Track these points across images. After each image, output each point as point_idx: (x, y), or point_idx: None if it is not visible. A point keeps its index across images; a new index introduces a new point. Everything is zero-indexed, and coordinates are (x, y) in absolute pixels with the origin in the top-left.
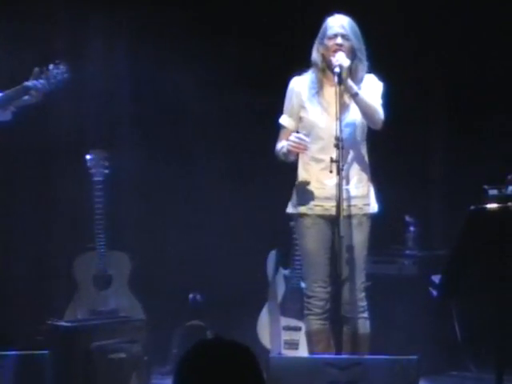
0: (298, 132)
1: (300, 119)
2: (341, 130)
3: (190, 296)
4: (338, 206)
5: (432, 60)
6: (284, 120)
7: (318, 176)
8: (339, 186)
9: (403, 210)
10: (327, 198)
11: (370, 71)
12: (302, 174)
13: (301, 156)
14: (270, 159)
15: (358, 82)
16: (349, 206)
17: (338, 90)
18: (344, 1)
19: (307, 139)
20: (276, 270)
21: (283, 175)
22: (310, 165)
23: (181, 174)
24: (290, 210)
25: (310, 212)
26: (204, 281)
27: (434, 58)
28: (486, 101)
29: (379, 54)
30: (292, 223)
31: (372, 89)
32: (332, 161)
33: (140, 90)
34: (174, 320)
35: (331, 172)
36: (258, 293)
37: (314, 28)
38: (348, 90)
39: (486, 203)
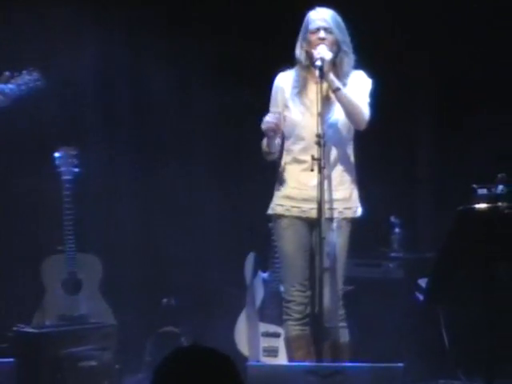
0: (283, 134)
1: (284, 118)
2: (322, 127)
3: (164, 301)
4: (320, 206)
5: (419, 56)
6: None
7: (298, 177)
8: (320, 185)
9: (388, 211)
10: (305, 200)
11: (358, 67)
12: (282, 175)
13: (284, 156)
14: (249, 159)
15: (343, 76)
16: (329, 208)
17: (319, 84)
18: None
19: (278, 116)
20: (254, 274)
21: (262, 176)
22: (292, 165)
23: (155, 173)
24: (269, 211)
25: (287, 213)
26: (179, 285)
27: (422, 54)
28: (474, 98)
29: (364, 50)
30: (270, 224)
31: (359, 86)
32: (313, 159)
33: (113, 84)
34: (147, 326)
35: (312, 170)
36: (236, 297)
37: (299, 22)
38: (329, 84)
39: (475, 203)
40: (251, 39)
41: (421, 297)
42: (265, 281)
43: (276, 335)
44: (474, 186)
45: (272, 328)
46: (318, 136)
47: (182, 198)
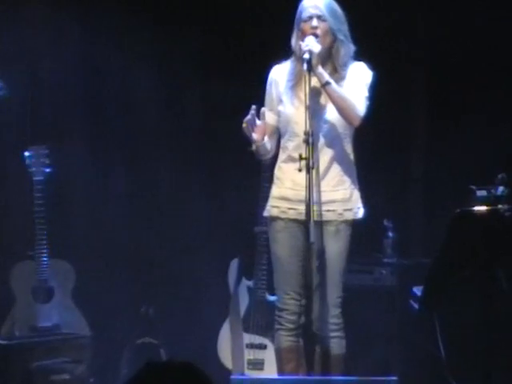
0: (279, 131)
1: (278, 113)
2: (312, 123)
3: (142, 309)
4: (308, 208)
5: (415, 53)
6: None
7: (294, 177)
8: (309, 186)
9: (381, 214)
10: (302, 201)
11: (358, 58)
12: (277, 174)
13: (279, 154)
14: (235, 160)
15: (341, 67)
16: (327, 210)
17: (307, 78)
18: None
19: (252, 112)
20: (238, 281)
21: (247, 177)
22: (287, 164)
23: (133, 174)
24: (265, 213)
25: (282, 215)
26: (157, 293)
27: (418, 51)
28: (472, 95)
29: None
30: (256, 228)
31: (357, 78)
32: (301, 158)
33: (87, 78)
34: (123, 337)
35: (300, 171)
36: (218, 306)
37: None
38: (318, 78)
39: (474, 205)
40: (241, 32)
41: (415, 305)
42: (250, 289)
43: (262, 347)
44: (473, 187)
45: (257, 339)
46: (306, 134)
47: (162, 201)
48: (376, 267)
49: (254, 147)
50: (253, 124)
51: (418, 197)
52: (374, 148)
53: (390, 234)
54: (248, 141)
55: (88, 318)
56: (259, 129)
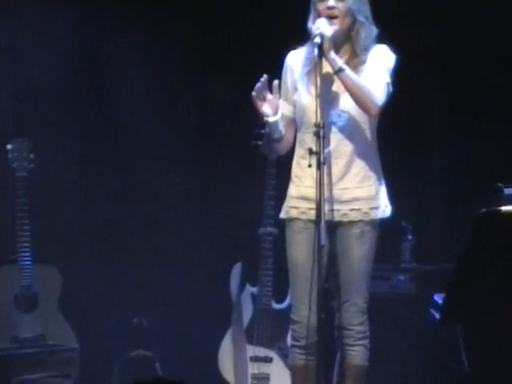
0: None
1: (294, 103)
2: (323, 114)
3: (135, 320)
4: (319, 208)
5: (432, 50)
6: (279, 105)
7: (314, 173)
8: (319, 183)
9: (399, 215)
10: (324, 200)
11: (380, 40)
12: (296, 172)
13: (296, 150)
14: (235, 158)
15: (362, 51)
16: (351, 209)
17: (318, 65)
18: None
19: (263, 80)
20: (241, 288)
21: (250, 178)
22: (305, 159)
23: (125, 170)
24: (282, 214)
25: (302, 216)
26: (152, 301)
27: (435, 49)
28: (494, 89)
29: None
30: (261, 230)
31: (376, 62)
32: (311, 152)
33: (75, 71)
34: (115, 349)
35: (310, 166)
36: (219, 315)
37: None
38: (330, 64)
39: (501, 205)
40: (240, 24)
41: (437, 315)
42: (254, 296)
43: (267, 360)
44: (500, 184)
45: (262, 351)
46: (317, 125)
47: (157, 201)
48: (393, 273)
49: (266, 129)
50: (263, 94)
51: (438, 196)
52: (390, 144)
53: (409, 237)
54: (253, 134)
55: (76, 328)
56: (271, 103)
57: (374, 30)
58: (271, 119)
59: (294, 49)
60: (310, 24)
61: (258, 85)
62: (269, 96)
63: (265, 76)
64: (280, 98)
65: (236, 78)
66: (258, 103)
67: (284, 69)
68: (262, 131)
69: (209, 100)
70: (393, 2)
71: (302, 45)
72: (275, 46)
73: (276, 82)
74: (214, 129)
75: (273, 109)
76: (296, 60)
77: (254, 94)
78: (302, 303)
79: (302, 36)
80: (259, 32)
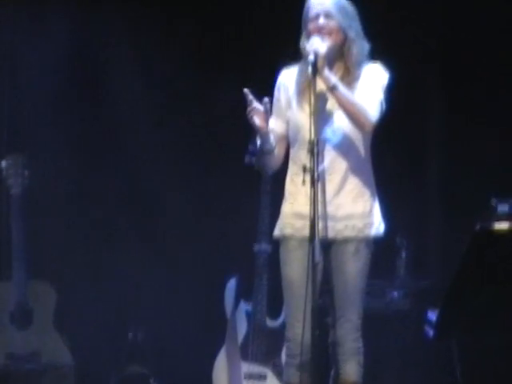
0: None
1: (287, 120)
2: (316, 131)
3: (130, 335)
4: (313, 225)
5: (429, 63)
6: (271, 122)
7: (308, 190)
8: (313, 200)
9: (393, 230)
10: (320, 217)
11: (373, 58)
12: (290, 189)
13: (290, 167)
14: (230, 174)
15: (354, 68)
16: (345, 226)
17: (312, 82)
18: None
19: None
20: (236, 304)
21: (245, 191)
22: (299, 176)
23: (121, 186)
24: (276, 232)
25: (296, 234)
26: (147, 316)
27: (432, 64)
28: (491, 103)
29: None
30: (256, 246)
31: (370, 80)
32: (305, 169)
33: (70, 84)
34: (109, 365)
35: (304, 183)
36: (214, 332)
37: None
38: (324, 82)
39: (495, 221)
40: (240, 37)
41: (431, 331)
42: (248, 313)
43: (261, 377)
44: (493, 201)
45: (257, 368)
46: (311, 143)
47: (153, 217)
48: (388, 289)
49: (257, 140)
50: (256, 110)
51: (433, 212)
52: (385, 158)
53: (403, 253)
54: (247, 151)
55: (70, 344)
56: (261, 115)
57: (366, 46)
58: (262, 129)
59: (287, 67)
60: (302, 43)
61: (249, 102)
62: (259, 107)
63: (246, 90)
64: (271, 114)
65: (234, 93)
66: (252, 118)
67: (277, 86)
68: (249, 160)
69: (204, 117)
70: (391, 7)
71: (294, 63)
72: (268, 67)
73: (266, 99)
74: (210, 145)
75: (263, 120)
76: (289, 78)
77: (249, 110)
78: (296, 320)
79: (294, 54)
80: (251, 55)
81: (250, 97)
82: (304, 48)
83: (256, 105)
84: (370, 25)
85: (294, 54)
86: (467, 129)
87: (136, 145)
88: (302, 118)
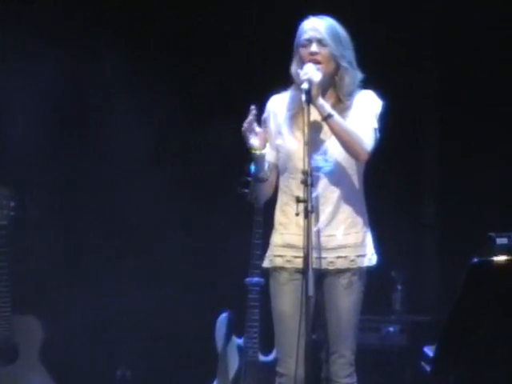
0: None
1: (277, 148)
2: (309, 161)
3: (118, 373)
4: (307, 257)
5: (425, 87)
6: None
7: (300, 220)
8: (307, 232)
9: (389, 263)
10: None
11: (365, 86)
12: (280, 219)
13: (280, 196)
14: (222, 206)
15: (346, 97)
16: (337, 257)
17: (306, 110)
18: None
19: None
20: (227, 339)
21: (236, 227)
22: (290, 206)
23: (108, 221)
24: (265, 263)
25: (287, 265)
26: (135, 353)
27: (427, 85)
28: (488, 134)
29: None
30: (247, 279)
31: (364, 108)
32: (298, 201)
33: (58, 116)
34: None
35: (297, 215)
36: (205, 367)
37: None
38: (319, 111)
39: (493, 255)
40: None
41: (427, 367)
42: (240, 348)
43: None
44: (492, 234)
45: None
46: (305, 173)
47: (143, 252)
48: (383, 324)
49: (252, 166)
50: (253, 127)
51: (430, 245)
52: (382, 190)
53: (399, 287)
54: (240, 182)
55: (58, 381)
56: (259, 136)
57: (359, 75)
58: (259, 152)
59: (277, 93)
60: (293, 68)
61: (249, 117)
62: (257, 129)
63: (253, 107)
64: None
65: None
66: (248, 135)
67: (266, 112)
68: (249, 179)
69: (195, 150)
70: (390, 44)
71: (284, 89)
72: (259, 91)
73: (265, 116)
74: (201, 179)
75: (261, 141)
76: (279, 104)
77: (245, 125)
78: (288, 356)
79: (284, 80)
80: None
81: (253, 113)
82: (296, 74)
83: (255, 125)
84: (364, 55)
85: (285, 80)
86: (464, 161)
87: (122, 182)
88: (293, 145)
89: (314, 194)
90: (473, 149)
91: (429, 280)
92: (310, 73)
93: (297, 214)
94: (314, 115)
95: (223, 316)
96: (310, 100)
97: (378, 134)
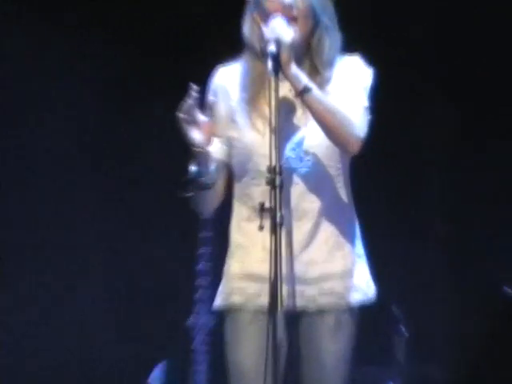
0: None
1: (229, 143)
2: (279, 155)
3: None
4: (275, 291)
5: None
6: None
7: (265, 241)
8: (275, 254)
9: (388, 299)
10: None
11: (348, 50)
12: (237, 240)
13: (235, 209)
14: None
15: (325, 66)
16: (319, 292)
17: (273, 83)
18: None
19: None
20: None
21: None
22: (252, 221)
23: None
24: (217, 301)
25: (249, 303)
26: None
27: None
28: (487, 129)
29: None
30: (189, 321)
31: (349, 80)
32: (262, 209)
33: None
34: None
35: (262, 229)
36: None
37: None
38: (291, 83)
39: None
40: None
41: None
42: None
43: None
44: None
45: None
46: (272, 171)
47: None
48: (382, 378)
49: (192, 167)
50: (193, 115)
51: (439, 276)
52: (381, 204)
53: (402, 329)
54: (181, 184)
55: None
56: (203, 127)
57: (339, 37)
58: (202, 150)
59: (223, 64)
60: (245, 29)
61: (190, 102)
62: (200, 117)
63: (194, 88)
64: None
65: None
66: (186, 127)
67: (211, 93)
68: (191, 177)
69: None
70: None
71: (234, 58)
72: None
73: (212, 98)
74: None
75: (205, 135)
76: (230, 80)
77: (181, 113)
78: None
79: (234, 46)
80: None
81: (194, 95)
82: (250, 36)
83: (196, 111)
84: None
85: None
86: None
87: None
88: (253, 138)
89: (285, 206)
90: (482, 186)
91: (439, 319)
92: (279, 30)
93: (261, 228)
94: (284, 91)
95: (159, 367)
96: (278, 69)
97: (368, 116)
